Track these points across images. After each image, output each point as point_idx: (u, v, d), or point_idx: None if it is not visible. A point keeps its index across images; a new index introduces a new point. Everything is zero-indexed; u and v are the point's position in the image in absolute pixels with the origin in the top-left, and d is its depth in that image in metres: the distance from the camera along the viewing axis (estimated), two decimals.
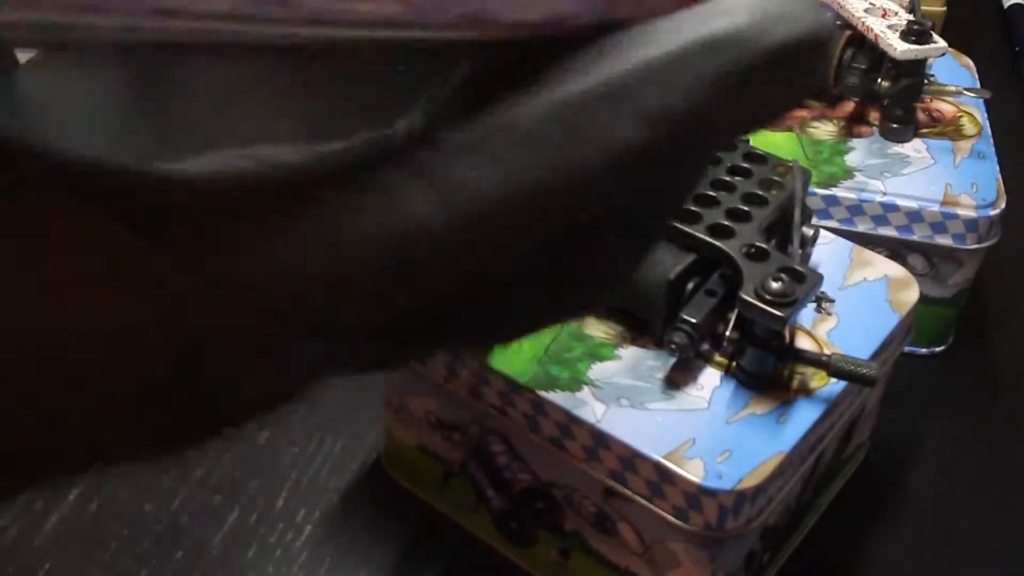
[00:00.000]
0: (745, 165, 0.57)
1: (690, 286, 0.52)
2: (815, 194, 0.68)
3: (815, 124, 0.73)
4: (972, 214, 0.67)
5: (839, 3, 0.72)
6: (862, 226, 0.69)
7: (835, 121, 0.74)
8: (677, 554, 0.52)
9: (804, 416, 0.51)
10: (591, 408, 0.51)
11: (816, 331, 0.56)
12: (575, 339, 0.54)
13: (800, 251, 0.58)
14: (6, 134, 0.19)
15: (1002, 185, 0.69)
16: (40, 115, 0.95)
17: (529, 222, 0.21)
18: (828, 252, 0.61)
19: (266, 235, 0.20)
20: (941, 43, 0.68)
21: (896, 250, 0.69)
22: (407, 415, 0.59)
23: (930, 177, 0.69)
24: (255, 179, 0.21)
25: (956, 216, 0.67)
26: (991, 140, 0.73)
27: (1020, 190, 0.76)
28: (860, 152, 0.71)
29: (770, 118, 0.22)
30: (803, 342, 0.55)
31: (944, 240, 0.68)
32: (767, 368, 0.52)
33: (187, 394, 0.21)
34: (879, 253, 0.62)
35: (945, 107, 0.75)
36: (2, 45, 0.95)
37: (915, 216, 0.68)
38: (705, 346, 0.53)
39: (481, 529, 0.60)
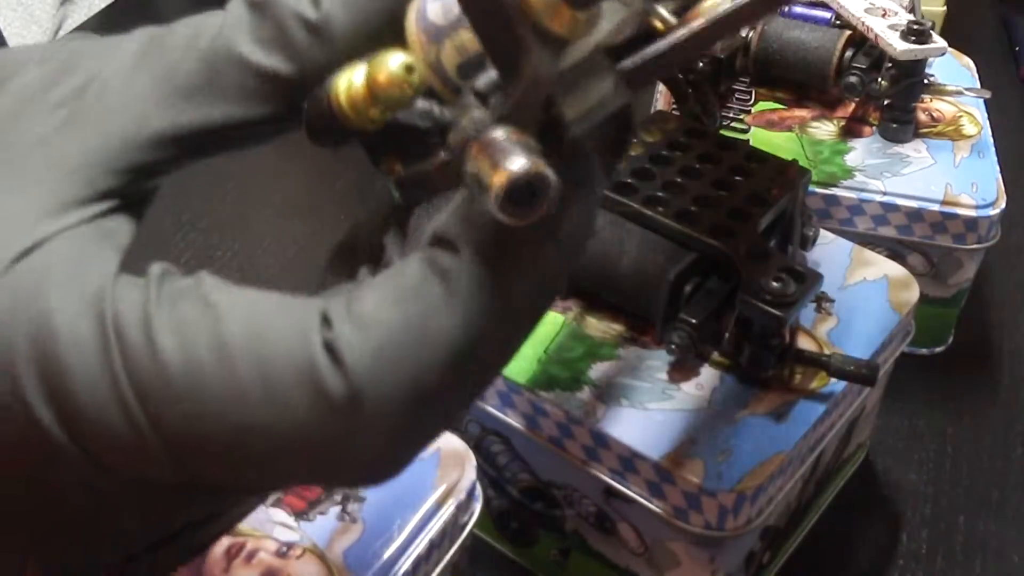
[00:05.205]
0: (745, 165, 0.57)
1: (690, 286, 0.52)
2: (815, 194, 0.68)
3: (815, 124, 0.73)
4: (972, 214, 0.67)
5: (839, 3, 0.72)
6: (862, 226, 0.69)
7: (835, 121, 0.74)
8: (677, 554, 0.52)
9: (804, 416, 0.51)
10: (591, 408, 0.51)
11: (816, 331, 0.56)
12: (575, 339, 0.54)
13: (800, 251, 0.58)
14: None
15: (1002, 185, 0.69)
16: None
17: None
18: (828, 252, 0.61)
19: None
20: (941, 43, 0.68)
21: (896, 250, 0.69)
22: None
23: (930, 177, 0.69)
24: None
25: (956, 216, 0.67)
26: (991, 140, 0.73)
27: (1020, 190, 0.76)
28: (860, 152, 0.71)
29: None
30: (803, 342, 0.55)
31: (944, 240, 0.68)
32: (767, 368, 0.52)
33: None
34: (879, 253, 0.62)
35: (945, 107, 0.75)
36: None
37: (915, 216, 0.68)
38: (705, 346, 0.53)
39: (481, 529, 0.60)
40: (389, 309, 0.24)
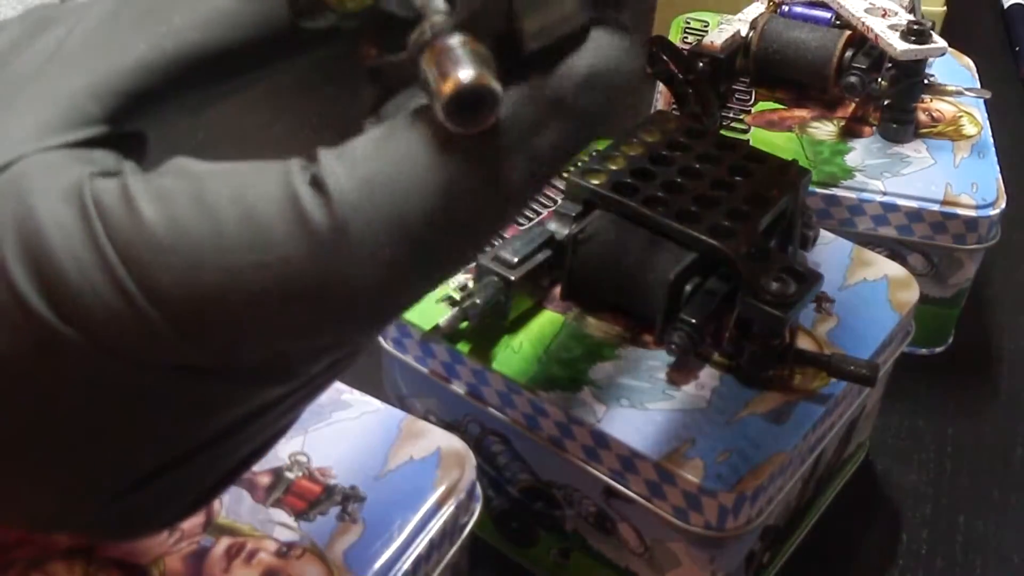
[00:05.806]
0: (745, 165, 0.57)
1: (690, 286, 0.52)
2: (815, 194, 0.68)
3: (815, 124, 0.73)
4: (972, 214, 0.67)
5: (839, 3, 0.73)
6: (862, 226, 0.69)
7: (835, 121, 0.74)
8: (677, 554, 0.52)
9: (804, 416, 0.52)
10: (591, 408, 0.51)
11: (816, 331, 0.56)
12: (575, 339, 0.54)
13: (800, 251, 0.58)
14: None
15: (1002, 185, 0.69)
16: None
17: None
18: (828, 252, 0.61)
19: None
20: (941, 43, 0.69)
21: (896, 250, 0.69)
22: None
23: (930, 177, 0.69)
24: None
25: (956, 216, 0.67)
26: (991, 140, 0.73)
27: (1020, 190, 0.76)
28: (860, 152, 0.71)
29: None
30: (803, 342, 0.55)
31: (944, 240, 0.68)
32: (767, 368, 0.52)
33: None
34: (879, 253, 0.63)
35: (945, 107, 0.75)
36: None
37: (915, 216, 0.68)
38: (705, 346, 0.53)
39: (481, 529, 0.60)
40: (377, 147, 0.25)
